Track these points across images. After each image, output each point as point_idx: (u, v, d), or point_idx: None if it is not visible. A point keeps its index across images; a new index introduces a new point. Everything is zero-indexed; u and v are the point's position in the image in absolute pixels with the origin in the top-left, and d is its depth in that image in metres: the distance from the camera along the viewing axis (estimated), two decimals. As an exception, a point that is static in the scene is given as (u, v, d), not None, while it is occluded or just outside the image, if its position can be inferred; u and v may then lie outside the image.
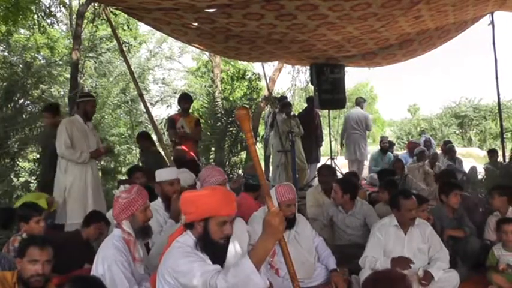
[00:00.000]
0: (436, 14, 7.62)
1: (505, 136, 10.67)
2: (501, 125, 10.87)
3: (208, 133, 12.20)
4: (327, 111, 12.82)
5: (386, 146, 12.21)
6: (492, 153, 10.83)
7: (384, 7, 6.84)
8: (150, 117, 8.14)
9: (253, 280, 2.87)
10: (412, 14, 7.42)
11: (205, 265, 3.04)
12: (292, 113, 11.01)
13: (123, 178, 10.05)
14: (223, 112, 12.62)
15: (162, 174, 5.29)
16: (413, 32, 8.68)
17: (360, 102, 12.53)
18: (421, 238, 4.93)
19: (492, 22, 9.31)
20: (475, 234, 5.70)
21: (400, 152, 15.42)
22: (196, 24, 7.33)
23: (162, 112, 33.92)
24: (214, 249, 3.15)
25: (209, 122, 12.59)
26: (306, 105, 12.61)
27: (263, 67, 11.76)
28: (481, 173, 9.85)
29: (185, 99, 8.74)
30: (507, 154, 9.32)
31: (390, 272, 4.24)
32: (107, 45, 18.91)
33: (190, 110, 9.43)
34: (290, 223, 4.64)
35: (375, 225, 5.13)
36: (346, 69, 11.57)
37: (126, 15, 11.05)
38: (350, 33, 8.22)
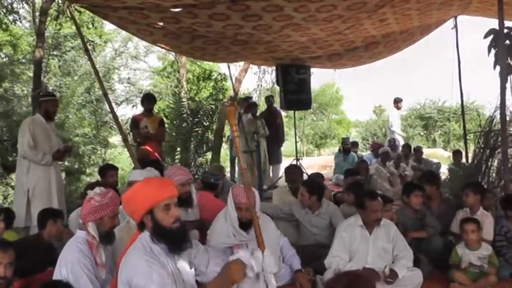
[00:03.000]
0: (401, 17, 7.71)
1: (468, 137, 10.81)
2: (464, 127, 11.07)
3: (174, 133, 12.12)
4: (293, 112, 12.84)
5: (348, 148, 12.30)
6: (456, 154, 11.00)
7: (349, 9, 6.89)
8: (115, 117, 8.03)
9: None
10: (377, 17, 7.50)
11: (165, 278, 3.05)
12: (257, 114, 11.03)
13: (91, 181, 9.89)
14: (189, 112, 12.55)
15: (136, 174, 5.24)
16: (379, 34, 8.78)
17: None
18: (386, 238, 4.96)
19: (455, 26, 9.47)
20: (438, 233, 5.76)
21: (365, 153, 15.54)
22: (161, 24, 7.27)
23: (127, 112, 33.77)
24: (171, 236, 3.16)
25: (175, 122, 12.50)
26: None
27: (229, 67, 11.80)
28: (444, 173, 9.99)
29: (148, 99, 8.64)
30: (470, 155, 9.43)
31: (361, 275, 4.29)
32: (72, 43, 18.61)
33: (156, 110, 9.34)
34: (247, 225, 4.41)
35: (340, 225, 5.15)
36: (312, 70, 11.65)
37: (91, 13, 10.89)
38: (315, 34, 8.26)
